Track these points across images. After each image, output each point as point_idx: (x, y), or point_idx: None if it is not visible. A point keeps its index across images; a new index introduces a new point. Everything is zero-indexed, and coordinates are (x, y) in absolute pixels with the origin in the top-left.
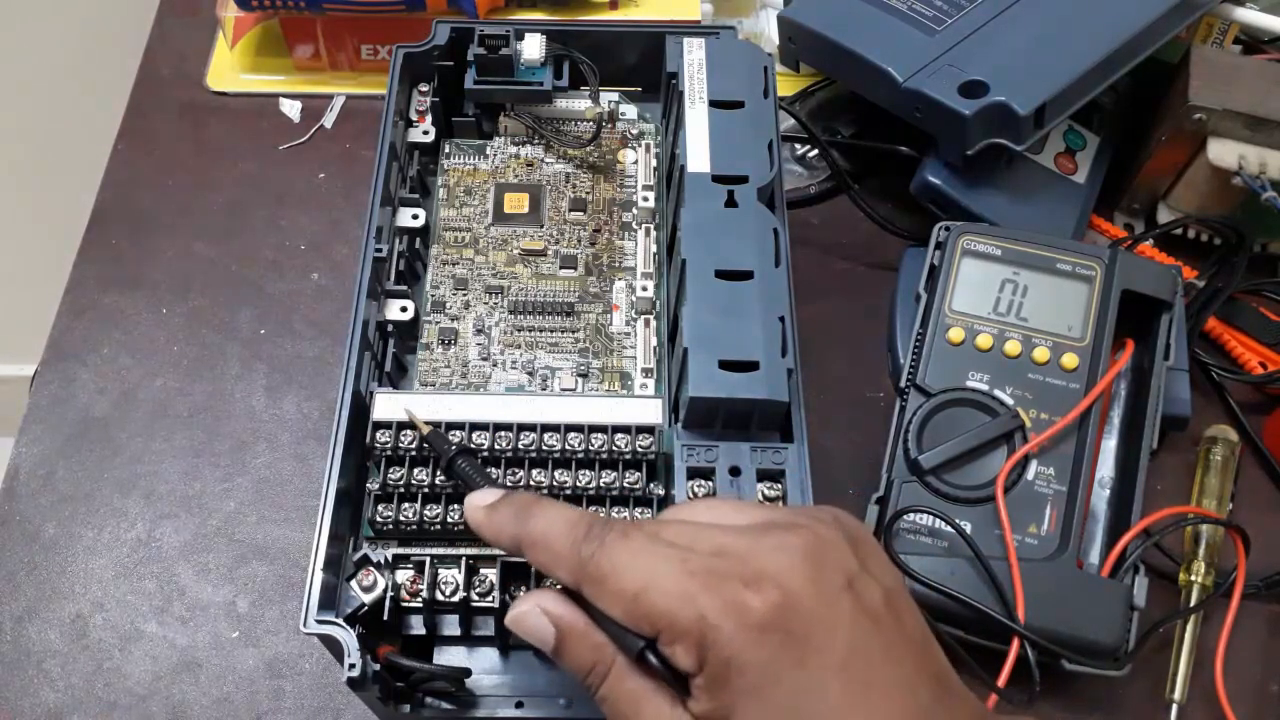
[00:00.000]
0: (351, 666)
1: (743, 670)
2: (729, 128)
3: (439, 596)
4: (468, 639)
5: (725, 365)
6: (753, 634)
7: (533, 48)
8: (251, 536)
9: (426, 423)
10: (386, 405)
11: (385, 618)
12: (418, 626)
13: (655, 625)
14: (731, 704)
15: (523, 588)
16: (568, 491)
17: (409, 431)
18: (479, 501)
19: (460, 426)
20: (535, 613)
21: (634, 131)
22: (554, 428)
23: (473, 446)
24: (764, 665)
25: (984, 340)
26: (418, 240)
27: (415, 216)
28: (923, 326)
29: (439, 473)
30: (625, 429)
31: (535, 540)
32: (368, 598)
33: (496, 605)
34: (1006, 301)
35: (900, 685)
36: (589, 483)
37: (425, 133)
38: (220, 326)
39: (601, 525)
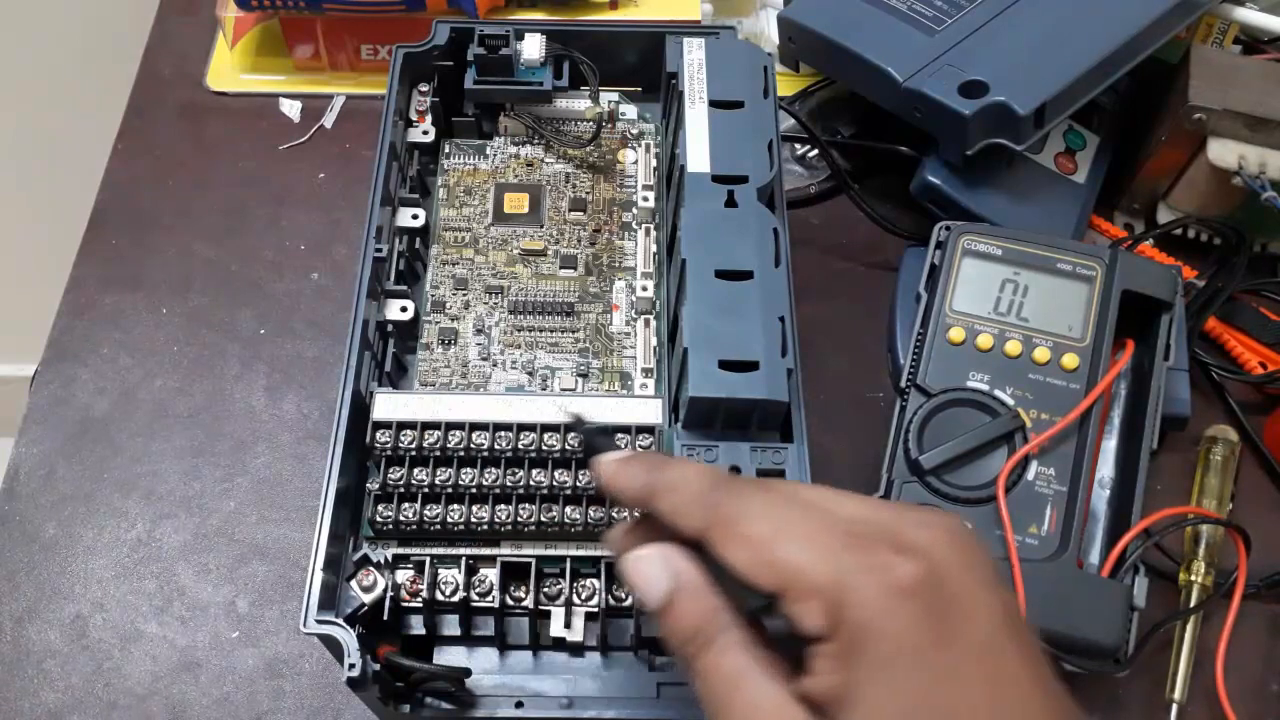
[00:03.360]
0: (351, 666)
1: (880, 638)
2: (729, 128)
3: (439, 596)
4: (468, 639)
5: (725, 365)
6: (897, 599)
7: (533, 48)
8: (251, 536)
9: (424, 423)
10: (386, 405)
11: (385, 618)
12: (418, 626)
13: (783, 577)
14: (859, 678)
15: (523, 587)
16: (567, 491)
17: (409, 431)
18: (611, 457)
19: (460, 426)
20: (658, 559)
21: (634, 131)
22: (554, 428)
23: (609, 428)
24: (904, 635)
25: (984, 340)
26: (418, 240)
27: (415, 216)
28: (923, 326)
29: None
30: (625, 429)
31: (665, 486)
32: (368, 598)
33: (496, 605)
34: (1007, 301)
35: (1036, 689)
36: (589, 483)
37: (425, 133)
38: (220, 326)
39: (740, 478)
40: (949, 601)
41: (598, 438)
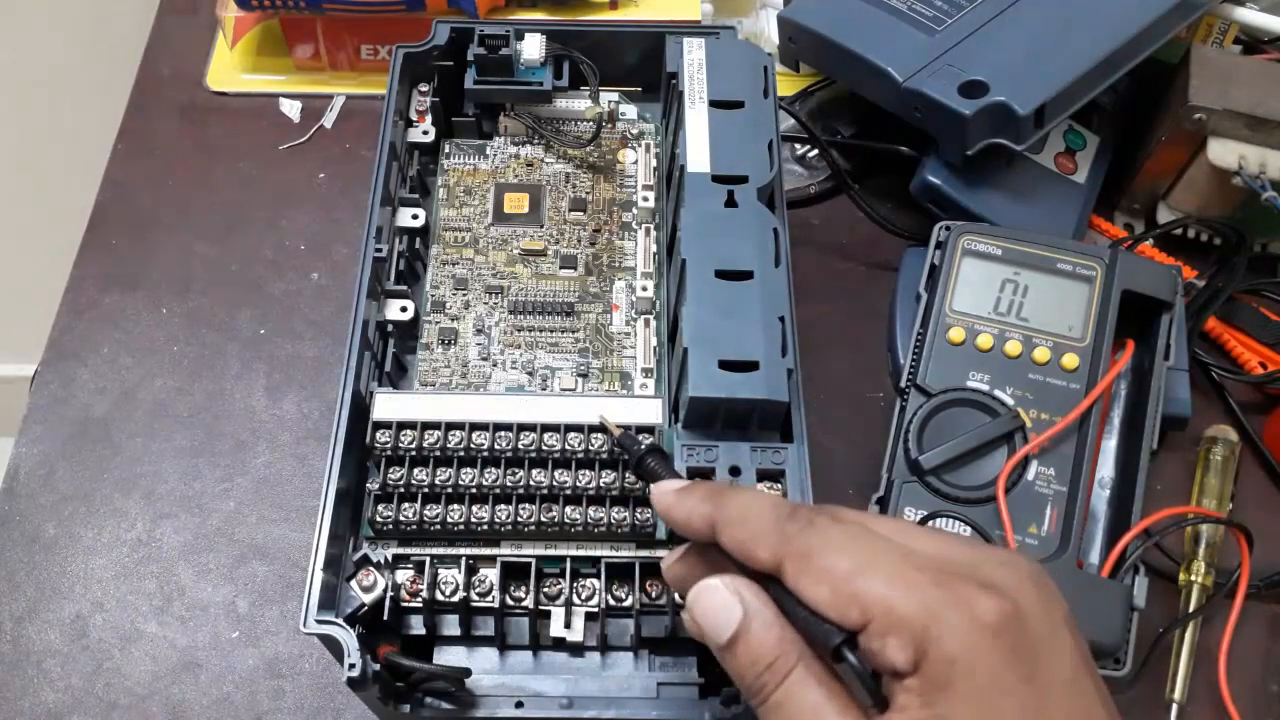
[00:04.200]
0: (351, 666)
1: (970, 673)
2: (729, 128)
3: (439, 596)
4: (468, 639)
5: (725, 365)
6: (985, 634)
7: (533, 48)
8: (251, 536)
9: (424, 423)
10: (386, 405)
11: (385, 618)
12: (418, 626)
13: (867, 611)
14: (949, 712)
15: (523, 587)
16: (568, 491)
17: (409, 431)
18: (668, 487)
19: (460, 426)
20: (726, 590)
21: (634, 131)
22: (554, 428)
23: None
24: (995, 671)
25: (984, 340)
26: (418, 240)
27: (415, 216)
28: (923, 326)
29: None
30: (625, 429)
31: (732, 517)
32: (368, 598)
33: (496, 605)
34: (1007, 301)
35: None
36: (589, 483)
37: (425, 133)
38: (220, 326)
39: (808, 508)
40: (1034, 639)
41: (648, 459)
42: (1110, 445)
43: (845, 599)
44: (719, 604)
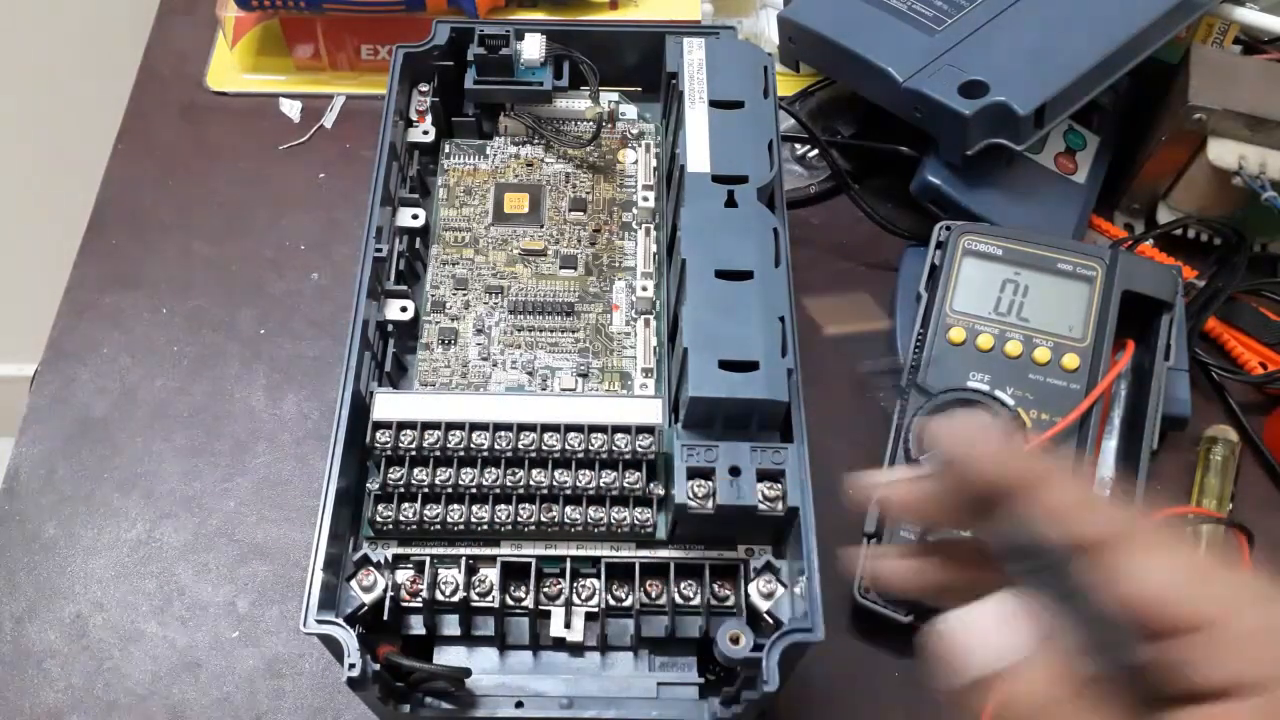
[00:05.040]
0: (351, 666)
1: None
2: (729, 128)
3: (439, 596)
4: (468, 639)
5: (725, 365)
6: None
7: (533, 48)
8: (251, 536)
9: (424, 423)
10: (386, 405)
11: (385, 618)
12: (418, 626)
13: (1204, 615)
14: None
15: (523, 587)
16: (568, 491)
17: (409, 431)
18: (966, 420)
19: (460, 426)
20: (1006, 618)
21: (634, 131)
22: (554, 428)
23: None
24: None
25: (985, 340)
26: (418, 240)
27: (415, 216)
28: (923, 326)
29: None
30: (625, 429)
31: (1053, 479)
32: (368, 598)
33: (496, 605)
34: (1007, 301)
35: None
36: (589, 483)
37: (425, 133)
38: (220, 326)
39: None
40: None
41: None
42: (1110, 445)
43: (1190, 596)
44: (1002, 637)
